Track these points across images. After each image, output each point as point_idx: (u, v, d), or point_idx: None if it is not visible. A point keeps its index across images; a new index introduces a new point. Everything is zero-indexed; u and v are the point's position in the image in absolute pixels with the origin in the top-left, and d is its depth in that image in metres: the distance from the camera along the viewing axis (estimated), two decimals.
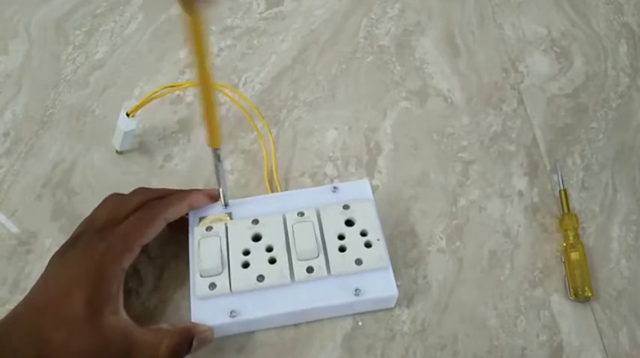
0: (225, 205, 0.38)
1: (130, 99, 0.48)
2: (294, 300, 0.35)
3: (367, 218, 0.37)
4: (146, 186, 0.42)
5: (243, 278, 0.35)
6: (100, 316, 0.30)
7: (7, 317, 0.31)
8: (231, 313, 0.34)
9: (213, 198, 0.38)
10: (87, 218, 0.36)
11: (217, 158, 0.31)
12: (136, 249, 0.33)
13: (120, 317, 0.31)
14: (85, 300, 0.30)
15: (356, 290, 0.35)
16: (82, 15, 0.55)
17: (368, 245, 0.36)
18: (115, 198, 0.37)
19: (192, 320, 0.34)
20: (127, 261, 0.33)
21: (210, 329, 0.34)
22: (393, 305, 0.37)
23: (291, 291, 0.35)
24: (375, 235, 0.37)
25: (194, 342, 0.33)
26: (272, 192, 0.42)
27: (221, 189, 0.36)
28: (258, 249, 0.36)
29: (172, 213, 0.36)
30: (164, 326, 0.33)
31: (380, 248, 0.36)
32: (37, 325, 0.30)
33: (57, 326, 0.30)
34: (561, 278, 0.39)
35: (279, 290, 0.35)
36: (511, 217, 0.42)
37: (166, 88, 0.43)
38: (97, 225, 0.34)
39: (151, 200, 0.36)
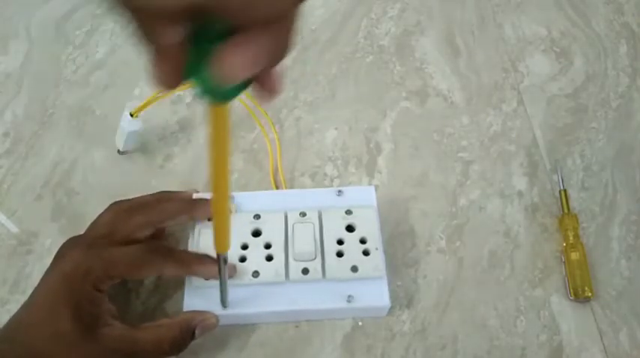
0: (225, 307, 0.34)
1: (130, 99, 0.48)
2: (287, 300, 0.35)
3: (368, 225, 0.37)
4: (146, 186, 0.43)
5: (239, 272, 0.35)
6: (92, 329, 0.30)
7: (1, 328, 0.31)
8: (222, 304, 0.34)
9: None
10: (89, 226, 0.36)
11: (223, 261, 0.30)
12: (117, 279, 0.32)
13: (113, 327, 0.31)
14: (71, 318, 0.30)
15: (348, 297, 0.35)
16: (82, 15, 0.55)
17: (366, 253, 0.36)
18: (116, 211, 0.36)
19: (185, 308, 0.35)
20: (106, 286, 0.32)
21: (214, 316, 0.34)
22: (384, 315, 0.37)
23: (284, 290, 0.35)
24: (374, 244, 0.37)
25: (197, 331, 0.33)
26: (277, 188, 0.42)
27: (221, 291, 0.34)
28: (256, 245, 0.36)
29: (170, 272, 0.34)
30: (163, 321, 0.33)
31: (377, 257, 0.36)
32: (31, 342, 0.29)
33: (53, 341, 0.29)
34: (561, 278, 0.39)
35: (273, 288, 0.35)
36: (511, 217, 0.42)
37: None
38: (90, 238, 0.34)
39: (152, 223, 0.35)
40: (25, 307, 0.31)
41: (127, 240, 0.34)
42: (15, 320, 0.31)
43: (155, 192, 0.39)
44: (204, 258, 0.35)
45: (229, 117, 0.21)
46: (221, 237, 0.28)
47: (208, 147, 0.22)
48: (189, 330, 0.33)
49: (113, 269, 0.32)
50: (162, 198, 0.37)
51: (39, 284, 0.32)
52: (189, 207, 0.36)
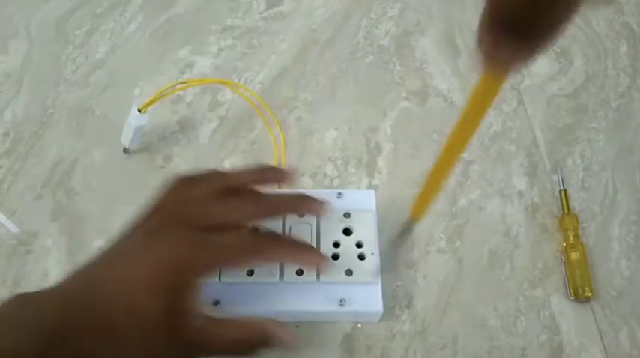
0: (377, 276, 0.35)
1: (130, 99, 0.48)
2: (279, 300, 0.35)
3: (366, 230, 0.37)
4: (146, 186, 0.43)
5: (234, 270, 0.35)
6: (179, 320, 0.28)
7: (70, 294, 0.28)
8: (214, 302, 0.34)
9: (323, 263, 0.34)
10: (178, 190, 0.32)
11: (408, 232, 0.30)
12: (222, 270, 0.31)
13: (196, 318, 0.29)
14: (164, 306, 0.28)
15: (341, 301, 0.35)
16: (82, 15, 0.55)
17: (361, 257, 0.36)
18: (216, 190, 0.32)
19: None
20: (210, 276, 0.31)
21: (292, 333, 0.31)
22: (377, 320, 0.37)
23: (277, 291, 0.35)
24: (370, 248, 0.36)
25: (271, 342, 0.30)
26: (279, 187, 0.43)
27: (385, 258, 0.33)
28: None
29: (279, 260, 0.33)
30: (243, 320, 0.31)
31: (372, 262, 0.36)
32: (111, 316, 0.28)
33: (136, 324, 0.28)
34: (561, 278, 0.39)
35: (267, 287, 0.35)
36: (511, 217, 0.42)
37: (179, 84, 0.43)
38: (192, 218, 0.31)
39: (261, 216, 0.33)
40: (109, 277, 0.29)
41: (230, 226, 0.31)
42: (92, 286, 0.29)
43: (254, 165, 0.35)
44: (310, 247, 0.33)
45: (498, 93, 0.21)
46: (422, 207, 0.27)
47: (462, 117, 0.22)
48: (267, 339, 0.30)
49: (221, 258, 0.30)
50: (270, 177, 0.35)
51: (128, 256, 0.30)
52: (300, 203, 0.34)
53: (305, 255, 0.33)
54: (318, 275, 0.35)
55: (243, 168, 0.35)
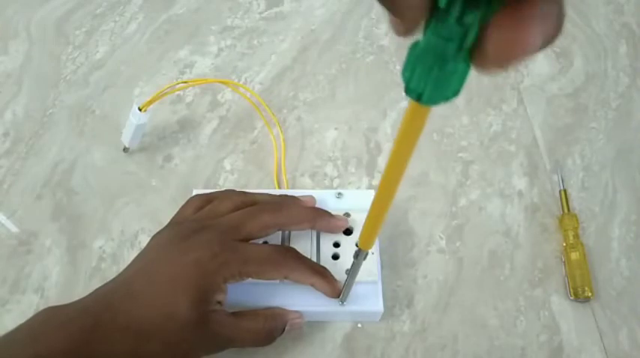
0: (342, 302, 0.35)
1: (130, 99, 0.48)
2: (279, 299, 0.35)
3: None
4: (146, 186, 0.43)
5: (254, 279, 0.35)
6: (204, 314, 0.30)
7: (100, 298, 0.30)
8: None
9: (335, 292, 0.35)
10: (212, 206, 0.35)
11: (363, 257, 0.30)
12: (246, 277, 0.32)
13: (219, 312, 0.31)
14: (191, 303, 0.29)
15: (341, 300, 0.35)
16: (82, 15, 0.55)
17: None
18: (241, 203, 0.35)
19: None
20: (234, 281, 0.32)
21: (302, 316, 0.35)
22: (377, 320, 0.37)
23: (278, 290, 0.35)
24: (371, 248, 0.36)
25: (287, 327, 0.34)
26: (279, 188, 0.43)
27: (346, 286, 0.34)
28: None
29: (295, 278, 0.34)
30: (259, 311, 0.34)
31: (372, 262, 0.36)
32: (138, 315, 0.29)
33: (164, 319, 0.29)
34: (561, 278, 0.39)
35: (267, 286, 0.35)
36: (511, 217, 0.42)
37: (179, 84, 0.43)
38: (222, 227, 0.33)
39: (279, 225, 0.35)
40: (139, 280, 0.31)
41: (251, 237, 0.34)
42: (122, 289, 0.30)
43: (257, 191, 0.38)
44: (327, 272, 0.35)
45: (426, 122, 0.20)
46: (371, 236, 0.28)
47: (394, 145, 0.22)
48: (283, 325, 0.34)
49: (247, 267, 0.32)
50: (288, 201, 0.37)
51: (158, 260, 0.31)
52: (312, 216, 0.36)
53: (321, 281, 0.34)
54: None
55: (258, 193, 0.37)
